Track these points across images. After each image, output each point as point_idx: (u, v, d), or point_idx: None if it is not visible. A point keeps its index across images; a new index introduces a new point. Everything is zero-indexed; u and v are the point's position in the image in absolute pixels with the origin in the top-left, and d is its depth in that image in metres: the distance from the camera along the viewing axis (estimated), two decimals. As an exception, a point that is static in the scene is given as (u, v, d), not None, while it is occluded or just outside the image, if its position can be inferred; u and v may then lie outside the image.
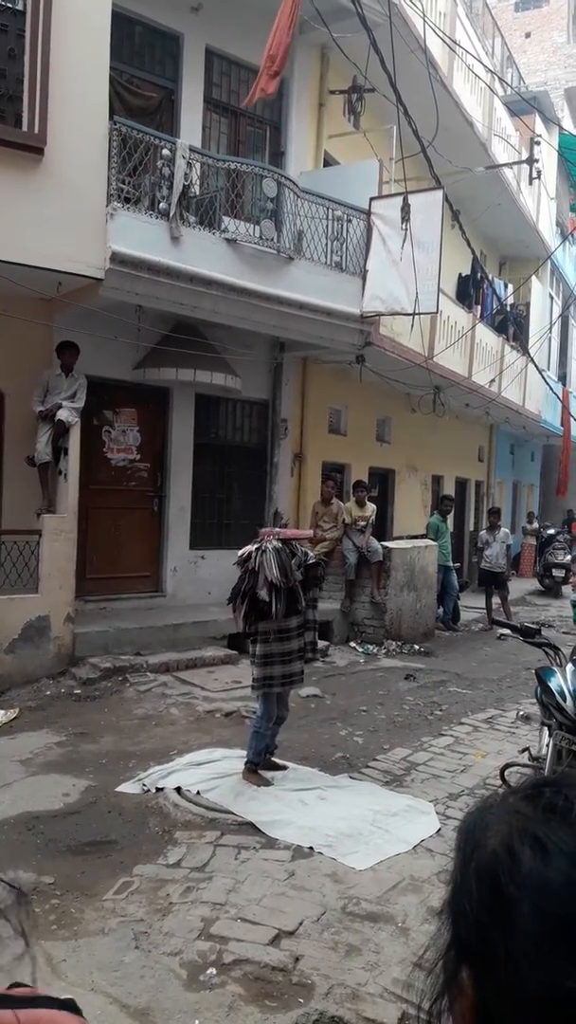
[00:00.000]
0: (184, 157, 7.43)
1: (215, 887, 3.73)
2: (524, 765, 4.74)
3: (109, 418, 8.74)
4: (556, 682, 4.20)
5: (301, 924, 3.45)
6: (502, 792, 0.66)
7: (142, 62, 8.72)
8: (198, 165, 7.83)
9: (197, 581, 9.46)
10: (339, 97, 10.66)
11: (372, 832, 4.41)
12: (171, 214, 7.38)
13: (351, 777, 5.36)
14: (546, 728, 4.39)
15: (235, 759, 5.36)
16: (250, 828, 4.42)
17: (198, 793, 4.79)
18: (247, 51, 9.34)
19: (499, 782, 4.72)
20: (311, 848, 4.19)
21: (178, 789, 4.81)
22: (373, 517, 10.49)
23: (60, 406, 7.29)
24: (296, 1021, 2.83)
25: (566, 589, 14.71)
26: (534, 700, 4.93)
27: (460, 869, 0.62)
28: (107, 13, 7.02)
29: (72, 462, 7.38)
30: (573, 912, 0.54)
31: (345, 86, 10.41)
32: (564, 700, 4.08)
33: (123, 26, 8.04)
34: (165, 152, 7.38)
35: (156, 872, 3.88)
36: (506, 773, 4.61)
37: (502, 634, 5.42)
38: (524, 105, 14.31)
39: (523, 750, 5.09)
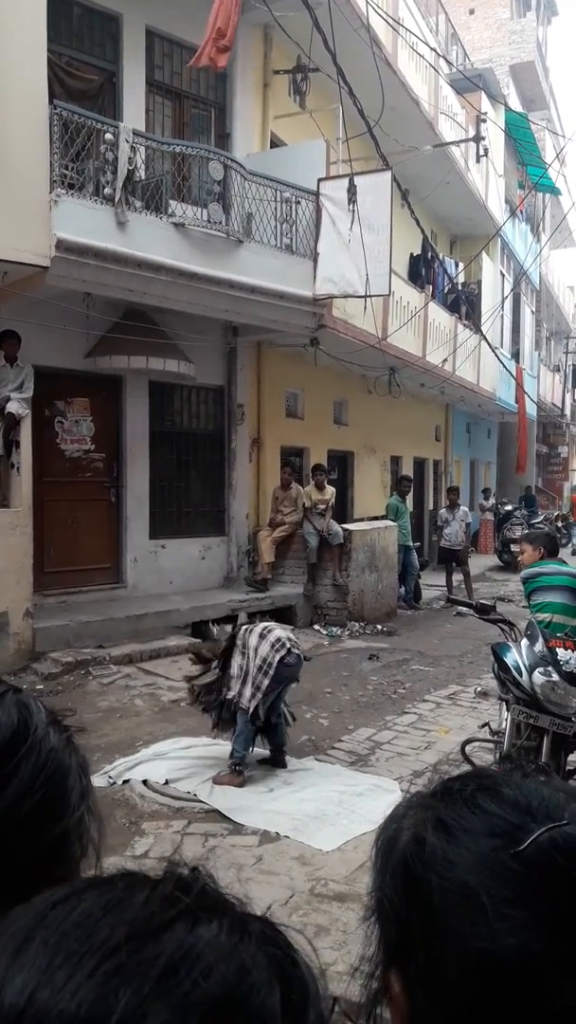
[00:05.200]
0: (128, 141, 7.29)
1: (183, 876, 3.74)
2: (485, 740, 4.82)
3: (61, 408, 8.59)
4: (512, 657, 4.27)
5: (269, 908, 3.44)
6: (409, 796, 0.68)
7: (81, 44, 8.51)
8: (142, 149, 7.69)
9: (158, 571, 9.40)
10: (284, 77, 10.54)
11: (338, 813, 4.46)
12: (116, 199, 7.25)
13: (317, 760, 5.41)
14: (504, 703, 4.47)
15: (201, 747, 5.37)
16: (217, 815, 4.44)
17: (166, 782, 4.79)
18: (189, 32, 9.16)
19: (461, 758, 4.79)
20: (278, 832, 4.22)
21: (144, 781, 4.81)
22: (333, 500, 10.51)
23: (8, 398, 7.15)
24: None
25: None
26: (493, 675, 5.01)
27: (379, 876, 0.65)
28: (42, -7, 6.84)
29: (24, 455, 7.26)
30: (475, 879, 0.56)
31: (289, 66, 10.30)
32: (520, 675, 4.15)
33: (60, 7, 7.83)
34: (108, 136, 7.23)
35: (123, 864, 3.83)
36: (467, 748, 4.68)
37: (459, 611, 5.49)
38: (469, 83, 14.31)
39: (483, 725, 5.17)
